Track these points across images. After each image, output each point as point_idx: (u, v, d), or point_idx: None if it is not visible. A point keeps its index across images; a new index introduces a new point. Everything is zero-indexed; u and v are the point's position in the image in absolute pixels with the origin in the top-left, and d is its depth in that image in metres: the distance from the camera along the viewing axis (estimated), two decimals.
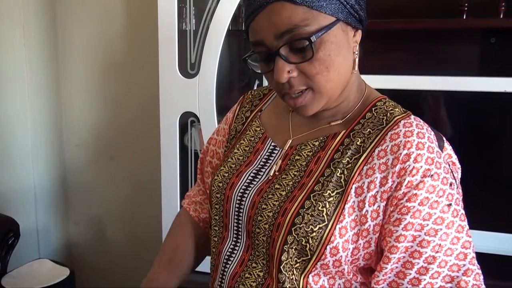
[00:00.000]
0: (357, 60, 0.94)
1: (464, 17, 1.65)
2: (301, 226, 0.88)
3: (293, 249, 0.89)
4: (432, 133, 0.92)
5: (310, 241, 0.88)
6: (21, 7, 2.33)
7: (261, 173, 1.01)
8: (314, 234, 0.87)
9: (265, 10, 0.86)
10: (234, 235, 1.01)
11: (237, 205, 1.00)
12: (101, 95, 2.51)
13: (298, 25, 0.84)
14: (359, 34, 0.93)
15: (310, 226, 0.88)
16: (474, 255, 0.89)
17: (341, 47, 0.88)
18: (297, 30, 0.84)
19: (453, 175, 0.92)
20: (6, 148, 2.42)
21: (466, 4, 1.64)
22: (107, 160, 2.57)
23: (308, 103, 0.91)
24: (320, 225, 0.87)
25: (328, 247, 0.87)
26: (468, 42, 1.84)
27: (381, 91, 1.53)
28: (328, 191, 0.89)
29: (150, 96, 2.18)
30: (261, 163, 1.03)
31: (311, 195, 0.90)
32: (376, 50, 1.90)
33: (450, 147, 0.97)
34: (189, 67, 1.87)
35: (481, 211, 1.60)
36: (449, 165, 0.92)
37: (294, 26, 0.84)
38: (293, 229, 0.89)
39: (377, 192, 0.88)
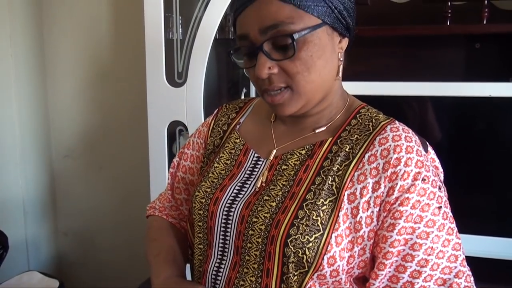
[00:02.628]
0: (341, 67, 0.94)
1: (448, 23, 1.67)
2: (296, 237, 0.86)
3: (291, 262, 0.87)
4: (417, 137, 0.93)
5: (307, 252, 0.86)
6: (8, 18, 2.32)
7: (247, 186, 0.99)
8: (311, 244, 0.86)
9: (254, 4, 0.87)
10: (219, 253, 0.98)
11: (223, 221, 0.97)
12: (89, 105, 2.51)
13: (283, 21, 0.85)
14: (345, 41, 0.94)
15: (306, 237, 0.86)
16: (464, 257, 0.90)
17: (324, 50, 0.89)
18: (281, 27, 0.85)
19: (439, 179, 0.94)
20: None
21: (450, 11, 1.65)
22: (96, 170, 2.56)
23: (286, 101, 0.91)
24: (316, 235, 0.86)
25: (325, 257, 0.86)
26: (452, 48, 1.86)
27: (367, 97, 1.54)
28: (321, 200, 0.88)
29: (138, 105, 2.17)
30: (246, 175, 1.01)
31: (304, 205, 0.89)
32: (361, 56, 1.91)
33: (433, 152, 0.98)
34: (176, 76, 1.87)
35: (467, 214, 1.61)
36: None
37: (279, 22, 0.85)
38: (288, 240, 0.87)
39: (370, 197, 0.88)
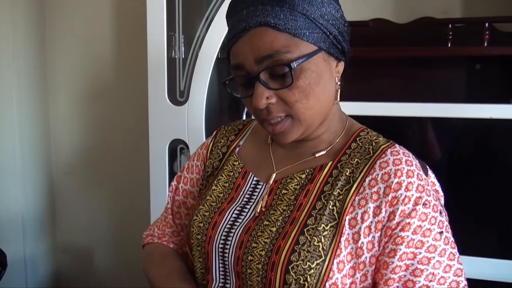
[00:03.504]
0: (339, 91, 0.94)
1: (449, 45, 1.68)
2: (298, 263, 0.85)
3: None
4: (417, 161, 0.92)
5: (309, 279, 0.84)
6: (11, 34, 2.33)
7: (246, 210, 0.97)
8: (312, 271, 0.84)
9: (248, 34, 0.86)
10: (221, 277, 0.96)
11: (221, 246, 0.95)
12: (90, 122, 2.51)
13: (279, 51, 0.84)
14: (341, 65, 0.94)
15: (308, 263, 0.84)
16: (466, 282, 0.89)
17: (322, 76, 0.89)
18: (277, 56, 0.85)
19: (440, 203, 0.93)
20: None
21: (451, 33, 1.66)
22: (96, 187, 2.56)
23: (287, 130, 0.91)
24: (318, 261, 0.85)
25: (327, 284, 0.84)
26: (454, 69, 1.87)
27: (368, 117, 1.55)
28: (322, 225, 0.87)
29: (139, 123, 2.18)
30: (245, 199, 0.99)
31: (305, 230, 0.87)
32: (362, 76, 1.92)
33: (434, 175, 0.98)
34: (178, 94, 1.88)
35: (468, 236, 1.60)
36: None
37: (275, 52, 0.85)
38: (290, 267, 0.85)
39: (371, 222, 0.87)
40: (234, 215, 0.97)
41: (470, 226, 1.60)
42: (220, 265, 0.95)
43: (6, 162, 2.42)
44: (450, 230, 0.90)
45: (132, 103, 2.36)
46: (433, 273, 0.85)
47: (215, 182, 1.04)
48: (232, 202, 0.99)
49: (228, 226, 0.96)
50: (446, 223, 0.90)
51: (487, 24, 1.63)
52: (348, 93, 1.90)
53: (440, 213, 0.89)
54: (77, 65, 2.47)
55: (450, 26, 1.67)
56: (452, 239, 0.90)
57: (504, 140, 1.57)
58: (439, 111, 1.57)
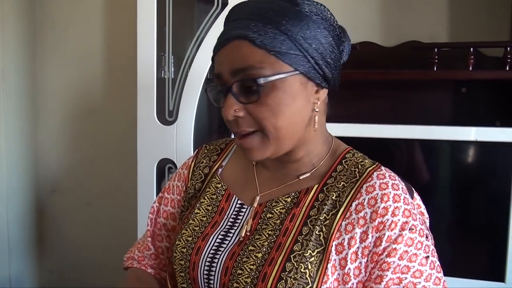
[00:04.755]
0: (317, 117, 0.92)
1: (435, 69, 1.70)
2: None
3: None
4: (403, 183, 0.92)
5: None
6: (0, 52, 2.34)
7: (231, 235, 0.95)
8: None
9: (228, 46, 0.87)
10: None
11: (205, 272, 0.92)
12: (79, 140, 2.50)
13: (253, 66, 0.84)
14: (323, 92, 0.91)
15: None
16: None
17: (295, 99, 0.87)
18: (250, 71, 0.85)
19: (426, 226, 0.93)
20: None
21: (437, 57, 1.69)
22: (83, 206, 2.54)
23: (255, 146, 0.89)
24: None
25: None
26: (440, 92, 1.89)
27: (355, 139, 1.56)
28: (309, 251, 0.86)
29: (127, 142, 2.17)
30: (229, 223, 0.97)
31: (291, 256, 0.86)
32: (350, 98, 1.94)
33: (419, 198, 0.97)
34: (167, 114, 1.88)
35: (454, 257, 1.61)
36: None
37: (249, 66, 0.85)
38: None
39: (358, 248, 0.85)
40: (218, 240, 0.95)
41: (457, 247, 1.61)
42: None
43: None
44: (436, 254, 0.90)
45: (121, 122, 2.36)
46: None
47: (198, 205, 1.02)
48: (216, 227, 0.97)
49: (212, 251, 0.93)
50: (432, 247, 0.89)
51: (472, 49, 1.66)
52: (337, 114, 1.94)
53: (426, 237, 0.89)
54: (66, 84, 2.47)
55: (436, 50, 1.70)
56: (438, 263, 0.89)
57: (490, 162, 1.59)
58: (425, 133, 1.59)
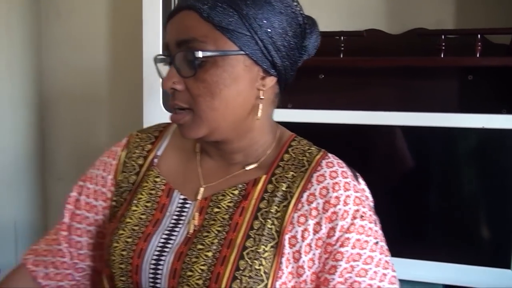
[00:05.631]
0: (261, 106, 0.88)
1: (442, 56, 1.70)
2: None
3: None
4: (349, 169, 0.92)
5: None
6: (5, 36, 2.34)
7: (176, 233, 0.89)
8: None
9: (178, 15, 0.85)
10: None
11: (151, 275, 0.86)
12: (85, 129, 2.51)
13: (196, 39, 0.82)
14: (271, 80, 0.88)
15: None
16: None
17: (236, 81, 0.84)
18: (192, 43, 0.82)
19: (373, 211, 0.93)
20: None
21: (443, 44, 1.69)
22: None
23: (186, 124, 0.86)
24: (260, 286, 0.82)
25: None
26: (446, 80, 1.89)
27: (362, 126, 1.56)
28: (262, 246, 0.84)
29: (134, 130, 2.18)
30: (173, 221, 0.91)
31: (244, 254, 0.83)
32: (357, 85, 1.94)
33: (364, 182, 0.96)
34: None
35: (460, 244, 1.62)
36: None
37: (192, 38, 0.82)
38: None
39: (312, 239, 0.85)
40: (162, 240, 0.89)
41: (462, 234, 1.62)
42: None
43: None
44: (383, 238, 0.90)
45: (128, 110, 2.36)
46: (370, 284, 0.84)
47: (135, 201, 0.94)
48: (158, 225, 0.91)
49: (156, 252, 0.87)
50: (380, 232, 0.90)
51: (479, 36, 1.66)
52: (342, 101, 1.94)
53: (375, 223, 0.90)
54: (72, 73, 2.47)
55: (443, 37, 1.69)
56: (386, 247, 0.90)
57: (496, 149, 1.59)
58: (432, 120, 1.59)
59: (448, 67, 1.84)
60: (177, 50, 0.84)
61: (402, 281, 1.64)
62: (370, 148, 1.70)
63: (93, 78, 2.44)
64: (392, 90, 1.94)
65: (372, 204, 0.96)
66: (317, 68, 2.01)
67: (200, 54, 0.81)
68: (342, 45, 1.81)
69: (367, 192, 0.96)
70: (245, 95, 0.86)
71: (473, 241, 1.63)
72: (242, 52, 0.83)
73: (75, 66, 2.46)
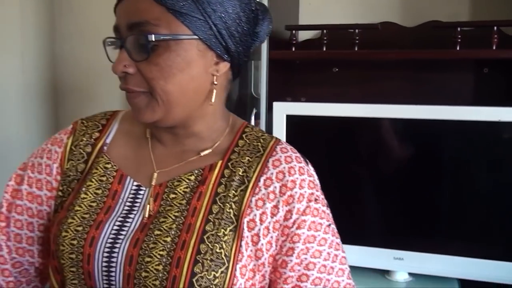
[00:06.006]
0: (215, 91, 0.88)
1: (458, 48, 1.69)
2: (202, 275, 0.81)
3: None
4: (299, 154, 0.94)
5: None
6: (19, 30, 2.35)
7: (130, 220, 0.87)
8: (217, 280, 0.81)
9: None
10: None
11: (105, 264, 0.84)
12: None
13: (149, 22, 0.80)
14: (224, 65, 0.87)
15: (212, 273, 0.81)
16: (349, 269, 0.93)
17: (190, 66, 0.83)
18: (145, 27, 0.80)
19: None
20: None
21: (459, 36, 1.67)
22: None
23: (143, 107, 0.85)
24: (222, 269, 0.82)
25: None
26: (461, 72, 1.87)
27: (377, 119, 1.56)
28: (222, 230, 0.84)
29: None
30: (126, 208, 0.89)
31: (205, 237, 0.83)
32: (371, 78, 1.94)
33: (312, 168, 0.96)
34: None
35: (474, 238, 1.61)
36: None
37: (144, 21, 0.80)
38: (194, 280, 0.80)
39: (270, 222, 0.86)
40: (115, 227, 0.86)
41: (476, 228, 1.61)
42: (105, 285, 0.85)
43: (14, 165, 2.43)
44: (333, 221, 0.94)
45: None
46: (324, 264, 0.88)
47: (83, 189, 0.91)
48: (110, 212, 0.89)
49: (110, 240, 0.85)
50: (330, 215, 0.93)
51: (495, 28, 1.64)
52: (356, 95, 1.93)
53: (327, 206, 0.93)
54: (86, 66, 2.48)
55: (458, 29, 1.68)
56: (336, 229, 0.93)
57: None
58: (447, 114, 1.57)
59: (464, 60, 1.82)
60: (129, 33, 0.82)
61: (416, 275, 1.66)
62: (383, 141, 1.69)
63: (105, 71, 2.44)
64: (406, 83, 1.93)
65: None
66: (331, 61, 2.01)
67: (153, 37, 0.80)
68: (357, 37, 1.80)
69: (315, 177, 0.96)
70: (199, 80, 0.86)
71: (487, 235, 1.62)
72: (196, 37, 0.82)
73: (87, 59, 2.47)
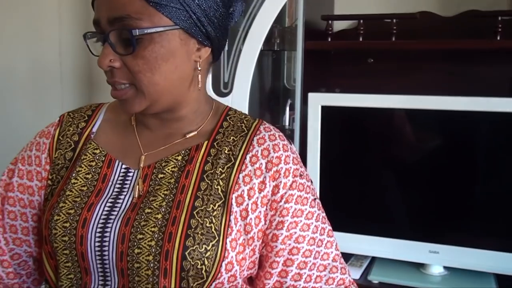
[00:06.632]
0: (200, 76, 0.91)
1: (498, 38, 1.65)
2: (194, 248, 0.83)
3: (190, 276, 0.84)
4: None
5: (206, 262, 0.84)
6: (57, 23, 2.39)
7: (120, 201, 0.90)
8: (209, 253, 0.84)
9: None
10: (101, 278, 0.89)
11: (97, 244, 0.86)
12: None
13: (130, 16, 0.81)
14: (206, 51, 0.90)
15: (204, 246, 0.84)
16: (336, 240, 0.97)
17: (173, 55, 0.85)
18: (127, 21, 0.81)
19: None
20: None
21: (500, 25, 1.63)
22: None
23: (129, 99, 0.87)
24: (213, 242, 0.84)
25: (223, 264, 0.85)
26: (500, 64, 1.83)
27: (414, 111, 1.53)
28: (211, 205, 0.87)
29: None
30: (116, 189, 0.92)
31: (194, 213, 0.86)
32: (408, 69, 1.91)
33: (295, 148, 0.99)
34: (222, 86, 1.89)
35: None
36: None
37: (126, 16, 0.81)
38: (186, 253, 0.83)
39: (257, 198, 0.90)
40: (107, 208, 0.89)
41: (509, 222, 1.58)
42: (99, 265, 0.87)
43: None
44: (318, 195, 0.98)
45: None
46: (313, 237, 0.92)
47: (74, 175, 0.94)
48: (101, 194, 0.91)
49: (102, 221, 0.88)
50: (315, 190, 0.97)
51: None
52: (392, 86, 1.91)
53: (311, 182, 0.96)
54: None
55: (499, 18, 1.64)
56: (320, 204, 0.97)
57: None
58: (486, 105, 1.54)
59: (503, 51, 1.78)
60: (111, 28, 0.83)
61: (451, 269, 1.64)
62: (418, 133, 1.67)
63: None
64: (443, 74, 1.90)
65: None
66: (366, 52, 1.99)
67: (137, 32, 0.81)
68: (394, 28, 1.77)
69: (298, 155, 1.00)
70: (183, 68, 0.88)
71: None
72: (177, 27, 0.84)
73: None
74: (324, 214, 0.96)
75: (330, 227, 0.96)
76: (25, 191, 0.99)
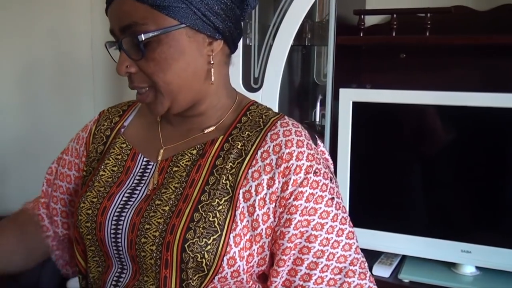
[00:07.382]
0: (213, 70, 0.91)
1: None
2: (194, 241, 0.85)
3: (189, 268, 0.85)
4: (306, 131, 0.94)
5: (206, 256, 0.84)
6: (89, 16, 2.43)
7: (137, 192, 0.95)
8: (209, 247, 0.84)
9: (114, 3, 0.86)
10: (118, 262, 0.94)
11: (112, 231, 0.92)
12: None
13: (137, 22, 0.84)
14: (218, 44, 0.90)
15: (204, 240, 0.85)
16: (358, 244, 0.93)
17: (183, 53, 0.87)
18: (135, 27, 0.84)
19: (330, 170, 0.95)
20: None
21: None
22: None
23: (151, 101, 0.91)
24: (214, 237, 0.85)
25: (225, 259, 0.85)
26: None
27: (447, 107, 1.51)
28: (216, 200, 0.87)
29: None
30: (135, 181, 0.97)
31: (199, 207, 0.87)
32: (441, 65, 1.88)
33: (323, 144, 0.98)
34: (252, 81, 1.89)
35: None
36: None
37: (132, 23, 0.84)
38: (185, 245, 0.85)
39: (266, 194, 0.88)
40: (124, 198, 0.94)
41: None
42: (114, 251, 0.93)
43: None
44: (341, 196, 0.94)
45: None
46: (327, 237, 0.89)
47: (102, 167, 1.01)
48: (122, 185, 0.97)
49: (118, 209, 0.93)
50: (337, 189, 0.93)
51: None
52: (424, 82, 1.88)
53: (331, 180, 0.92)
54: None
55: None
56: (343, 204, 0.93)
57: None
58: None
59: None
60: (122, 36, 0.86)
61: (484, 269, 1.62)
62: (451, 130, 1.64)
63: None
64: (477, 70, 1.87)
65: (332, 166, 1.00)
66: (399, 47, 1.96)
67: (143, 37, 0.84)
68: (428, 22, 1.74)
69: (327, 155, 1.00)
70: (195, 64, 0.89)
71: None
72: (183, 25, 0.85)
73: None
74: (344, 215, 0.92)
75: (351, 229, 0.93)
76: (65, 179, 1.09)
